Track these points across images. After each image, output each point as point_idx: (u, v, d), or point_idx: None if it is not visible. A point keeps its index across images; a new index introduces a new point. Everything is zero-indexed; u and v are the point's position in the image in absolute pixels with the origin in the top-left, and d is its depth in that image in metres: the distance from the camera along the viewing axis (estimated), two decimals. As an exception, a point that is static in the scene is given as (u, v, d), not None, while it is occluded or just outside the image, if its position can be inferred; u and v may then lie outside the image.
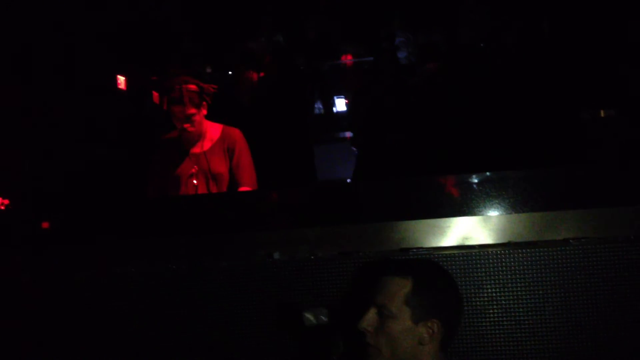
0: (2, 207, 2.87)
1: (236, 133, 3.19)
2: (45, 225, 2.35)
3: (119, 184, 3.84)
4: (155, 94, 6.71)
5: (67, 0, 5.01)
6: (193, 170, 3.07)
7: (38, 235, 2.33)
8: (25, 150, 3.98)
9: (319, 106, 6.52)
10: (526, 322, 1.92)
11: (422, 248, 2.04)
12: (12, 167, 3.86)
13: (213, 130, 3.17)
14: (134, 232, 2.28)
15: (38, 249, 2.29)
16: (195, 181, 3.06)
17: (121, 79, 6.29)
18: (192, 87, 3.02)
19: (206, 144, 3.13)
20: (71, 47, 4.94)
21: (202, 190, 3.06)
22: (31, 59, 4.59)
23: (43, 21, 4.76)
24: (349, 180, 5.37)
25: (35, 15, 4.70)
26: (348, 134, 5.70)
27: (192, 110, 3.02)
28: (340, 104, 6.38)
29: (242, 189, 3.06)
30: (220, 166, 3.09)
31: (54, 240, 2.32)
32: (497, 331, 1.92)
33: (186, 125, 3.04)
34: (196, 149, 3.12)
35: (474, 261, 1.96)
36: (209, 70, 5.72)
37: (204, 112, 3.11)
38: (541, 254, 1.93)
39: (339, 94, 6.51)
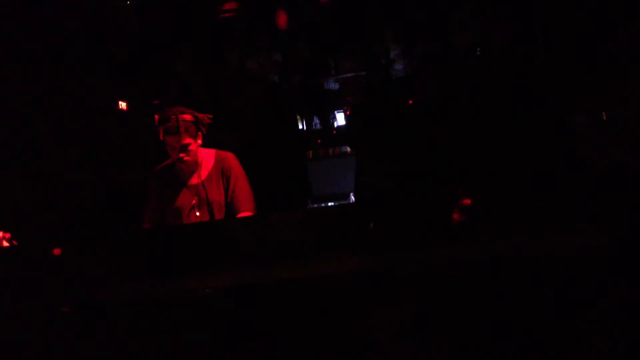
0: (6, 243, 2.86)
1: (230, 157, 3.17)
2: (57, 251, 2.33)
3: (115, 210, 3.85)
4: (157, 117, 6.77)
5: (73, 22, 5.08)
6: (194, 202, 3.06)
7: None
8: (25, 178, 4.01)
9: (316, 122, 6.56)
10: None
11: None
12: (12, 197, 3.90)
13: (207, 158, 3.15)
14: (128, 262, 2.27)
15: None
16: (197, 213, 3.05)
17: (122, 104, 6.36)
18: (188, 117, 3.00)
19: (203, 173, 3.11)
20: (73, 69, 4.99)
21: (204, 220, 3.03)
22: (32, 81, 4.63)
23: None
24: (352, 196, 5.39)
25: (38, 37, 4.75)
26: (348, 149, 5.70)
27: (188, 140, 3.00)
28: (341, 118, 6.39)
29: (241, 214, 3.05)
30: (218, 194, 3.08)
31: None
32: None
33: (182, 155, 3.01)
34: (193, 180, 3.11)
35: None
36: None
37: (199, 142, 3.08)
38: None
39: (339, 108, 6.52)
